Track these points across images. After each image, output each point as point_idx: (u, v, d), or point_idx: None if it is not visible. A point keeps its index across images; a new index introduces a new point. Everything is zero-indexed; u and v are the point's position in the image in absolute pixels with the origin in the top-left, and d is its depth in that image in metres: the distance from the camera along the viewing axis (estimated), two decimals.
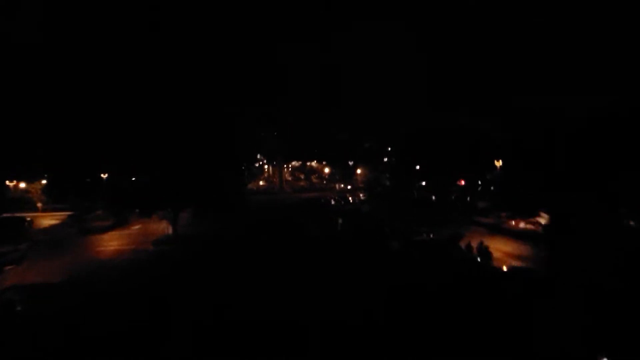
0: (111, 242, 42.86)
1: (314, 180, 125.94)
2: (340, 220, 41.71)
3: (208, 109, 46.44)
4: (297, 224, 42.19)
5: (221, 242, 38.92)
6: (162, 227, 44.78)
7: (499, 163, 44.33)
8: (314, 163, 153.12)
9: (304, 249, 33.23)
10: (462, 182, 61.61)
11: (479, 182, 72.88)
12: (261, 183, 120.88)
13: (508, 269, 24.97)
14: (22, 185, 73.48)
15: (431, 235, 33.81)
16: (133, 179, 41.71)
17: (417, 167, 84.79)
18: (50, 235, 47.67)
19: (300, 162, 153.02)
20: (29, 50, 59.59)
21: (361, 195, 72.07)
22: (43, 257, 35.71)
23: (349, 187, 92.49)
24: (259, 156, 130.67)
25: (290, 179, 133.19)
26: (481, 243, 29.63)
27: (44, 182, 69.98)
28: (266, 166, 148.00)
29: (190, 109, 43.58)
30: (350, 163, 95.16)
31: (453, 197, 63.10)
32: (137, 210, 39.49)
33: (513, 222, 40.43)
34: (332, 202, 61.92)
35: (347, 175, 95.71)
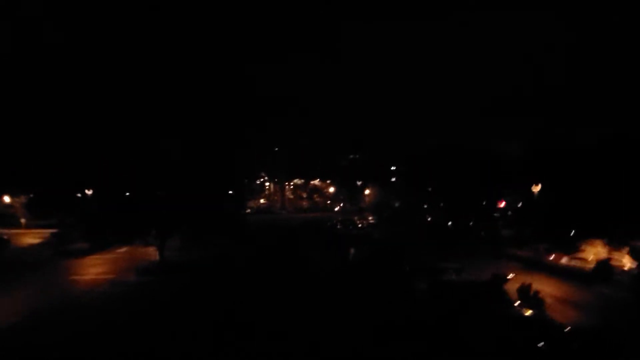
0: (89, 269, 37.47)
1: (317, 199, 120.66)
2: (352, 250, 36.27)
3: (203, 118, 41.53)
4: (302, 255, 36.41)
5: (214, 275, 33.44)
6: (150, 252, 39.41)
7: (536, 188, 39.01)
8: (316, 181, 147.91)
9: (312, 289, 27.73)
10: (502, 204, 55.87)
11: (495, 207, 67.72)
12: (262, 201, 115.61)
13: (577, 331, 19.47)
14: (6, 199, 68.14)
15: (460, 271, 28.50)
16: (117, 197, 36.45)
17: (429, 188, 79.62)
18: (25, 257, 42.41)
19: (302, 180, 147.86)
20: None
21: (370, 218, 66.64)
22: (4, 288, 30.35)
23: (351, 207, 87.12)
24: (261, 173, 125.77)
25: (292, 197, 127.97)
26: (529, 287, 24.30)
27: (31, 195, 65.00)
28: (267, 184, 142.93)
29: (183, 118, 38.78)
30: (359, 183, 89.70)
31: (471, 223, 57.65)
32: (115, 234, 33.85)
33: (552, 257, 34.99)
34: (339, 227, 56.42)
35: (353, 195, 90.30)
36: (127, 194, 36.77)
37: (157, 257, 36.82)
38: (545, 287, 28.73)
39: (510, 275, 26.31)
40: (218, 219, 37.75)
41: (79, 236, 42.44)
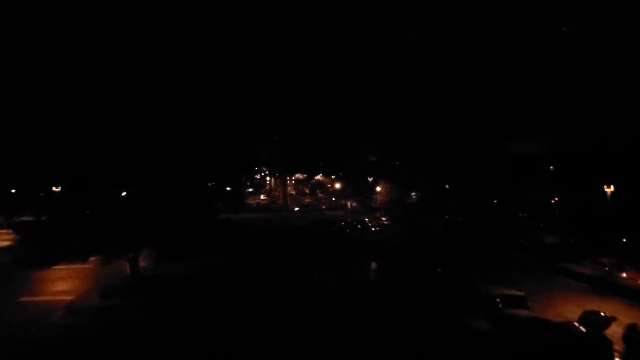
0: (46, 287, 30.48)
1: (320, 195, 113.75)
2: (373, 265, 29.07)
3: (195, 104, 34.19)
4: (312, 276, 28.76)
5: (201, 294, 26.32)
6: (123, 263, 32.22)
7: (609, 189, 31.78)
8: (319, 176, 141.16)
9: (326, 329, 20.52)
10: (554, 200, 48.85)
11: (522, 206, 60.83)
12: (262, 197, 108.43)
13: None
14: None
15: (525, 301, 21.29)
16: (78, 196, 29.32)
17: (447, 185, 72.77)
18: None
19: (304, 175, 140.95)
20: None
21: (383, 218, 59.42)
22: None
23: (355, 204, 79.76)
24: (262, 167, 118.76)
25: (294, 192, 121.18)
26: (636, 330, 17.16)
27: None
28: (268, 178, 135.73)
29: (171, 102, 31.46)
30: (370, 179, 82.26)
31: (500, 226, 50.45)
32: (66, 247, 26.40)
33: (624, 275, 27.80)
34: (348, 230, 49.10)
35: (362, 191, 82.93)
36: (94, 192, 29.56)
37: (129, 271, 29.83)
38: (628, 319, 21.61)
39: (604, 312, 19.02)
40: (206, 225, 30.65)
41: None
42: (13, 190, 57.54)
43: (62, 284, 31.15)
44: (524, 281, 28.18)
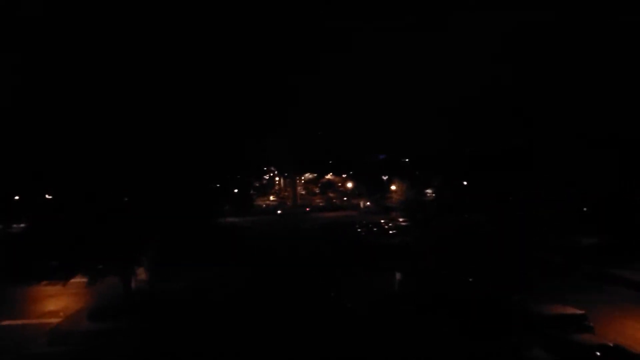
0: (32, 306, 27.58)
1: (330, 194, 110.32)
2: (397, 275, 25.72)
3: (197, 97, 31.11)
4: (326, 290, 25.15)
5: (200, 315, 23.10)
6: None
7: None
8: (329, 175, 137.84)
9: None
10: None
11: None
12: (272, 198, 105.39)
13: None
14: None
15: (587, 321, 17.79)
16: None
17: (465, 182, 69.08)
18: None
19: (314, 175, 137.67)
20: None
21: (400, 219, 55.89)
22: None
23: (369, 204, 76.21)
24: (269, 168, 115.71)
25: (303, 192, 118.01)
26: None
27: None
28: (277, 178, 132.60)
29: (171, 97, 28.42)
30: (385, 177, 78.58)
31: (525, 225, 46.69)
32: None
33: None
34: (363, 233, 45.79)
35: (375, 190, 79.30)
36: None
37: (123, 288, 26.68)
38: None
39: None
40: (206, 232, 27.52)
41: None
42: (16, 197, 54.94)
43: (51, 302, 28.20)
44: (569, 292, 24.67)
